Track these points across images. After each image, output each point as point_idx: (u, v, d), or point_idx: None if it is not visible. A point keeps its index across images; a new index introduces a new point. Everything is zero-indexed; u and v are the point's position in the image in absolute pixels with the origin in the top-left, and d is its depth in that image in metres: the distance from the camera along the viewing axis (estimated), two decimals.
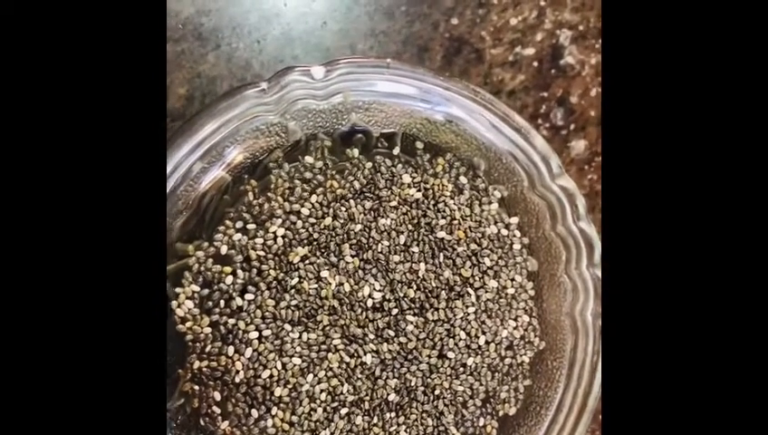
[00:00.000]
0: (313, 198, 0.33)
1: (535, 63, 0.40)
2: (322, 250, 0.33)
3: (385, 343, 0.32)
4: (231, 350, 0.32)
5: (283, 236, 0.32)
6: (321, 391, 0.32)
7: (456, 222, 0.33)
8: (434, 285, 0.33)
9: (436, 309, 0.33)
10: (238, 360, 0.32)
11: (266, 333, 0.32)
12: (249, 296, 0.32)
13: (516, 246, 0.34)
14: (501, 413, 0.34)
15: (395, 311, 0.33)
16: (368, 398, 0.32)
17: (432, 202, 0.34)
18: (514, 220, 0.34)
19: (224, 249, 0.32)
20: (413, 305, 0.33)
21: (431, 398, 0.33)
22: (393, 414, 0.33)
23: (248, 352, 0.32)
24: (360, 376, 0.32)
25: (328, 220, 0.33)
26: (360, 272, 0.33)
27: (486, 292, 0.33)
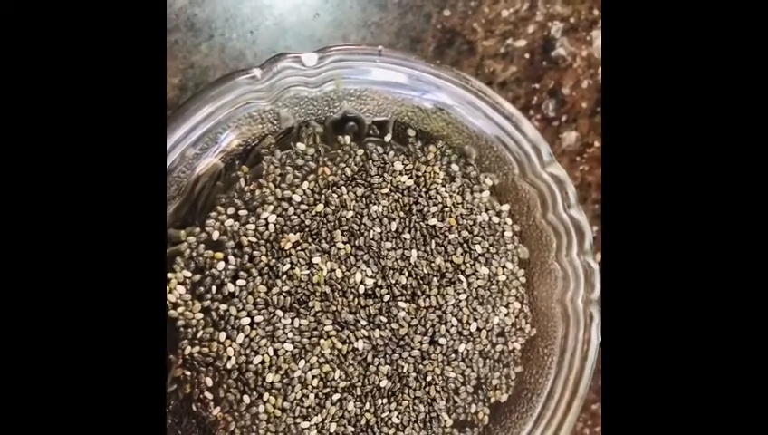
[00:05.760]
0: (305, 185, 0.33)
1: (527, 55, 0.41)
2: (314, 236, 0.33)
3: (377, 330, 0.33)
4: (223, 336, 0.32)
5: (275, 223, 0.33)
6: (313, 377, 0.32)
7: (447, 209, 0.34)
8: (425, 271, 0.33)
9: (428, 296, 0.33)
10: (230, 346, 0.32)
11: (258, 319, 0.32)
12: (241, 282, 0.32)
13: (507, 234, 0.34)
14: (492, 400, 0.34)
15: (387, 297, 0.33)
16: (360, 384, 0.33)
17: (424, 189, 0.34)
18: (506, 208, 0.35)
19: (216, 235, 0.33)
20: (405, 292, 0.33)
21: (423, 384, 0.33)
22: (385, 400, 0.33)
23: (240, 337, 0.32)
24: (351, 362, 0.32)
25: (319, 207, 0.33)
26: (352, 258, 0.33)
27: (478, 279, 0.34)
